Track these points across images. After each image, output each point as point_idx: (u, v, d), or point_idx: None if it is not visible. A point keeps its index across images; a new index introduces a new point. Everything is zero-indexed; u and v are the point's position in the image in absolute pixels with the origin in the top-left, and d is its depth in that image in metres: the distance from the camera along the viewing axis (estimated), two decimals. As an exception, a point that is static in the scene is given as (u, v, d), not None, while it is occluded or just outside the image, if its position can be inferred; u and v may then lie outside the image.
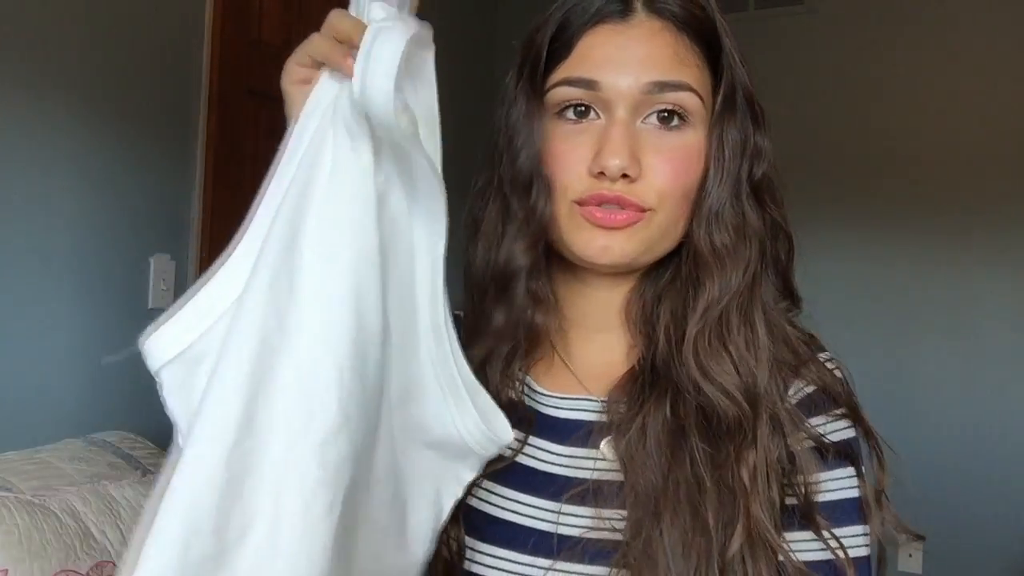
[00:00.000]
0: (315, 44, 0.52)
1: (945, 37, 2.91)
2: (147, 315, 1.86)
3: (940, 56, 2.91)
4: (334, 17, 0.51)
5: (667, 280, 0.69)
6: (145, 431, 1.59)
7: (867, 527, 0.64)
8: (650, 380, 0.66)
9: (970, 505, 2.74)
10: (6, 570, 1.05)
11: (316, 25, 0.54)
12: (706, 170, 0.65)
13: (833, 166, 2.93)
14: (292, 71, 0.56)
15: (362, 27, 0.48)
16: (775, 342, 0.65)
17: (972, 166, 2.86)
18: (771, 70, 2.90)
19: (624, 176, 0.63)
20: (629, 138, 0.63)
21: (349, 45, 0.50)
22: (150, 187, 1.82)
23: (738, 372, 0.63)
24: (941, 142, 2.90)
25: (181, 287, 1.89)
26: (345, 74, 0.49)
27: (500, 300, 0.68)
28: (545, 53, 0.67)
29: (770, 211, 0.68)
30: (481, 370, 0.66)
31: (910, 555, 2.77)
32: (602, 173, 0.63)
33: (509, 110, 0.68)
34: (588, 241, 0.64)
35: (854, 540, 0.64)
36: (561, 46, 0.67)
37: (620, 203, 0.63)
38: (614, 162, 0.62)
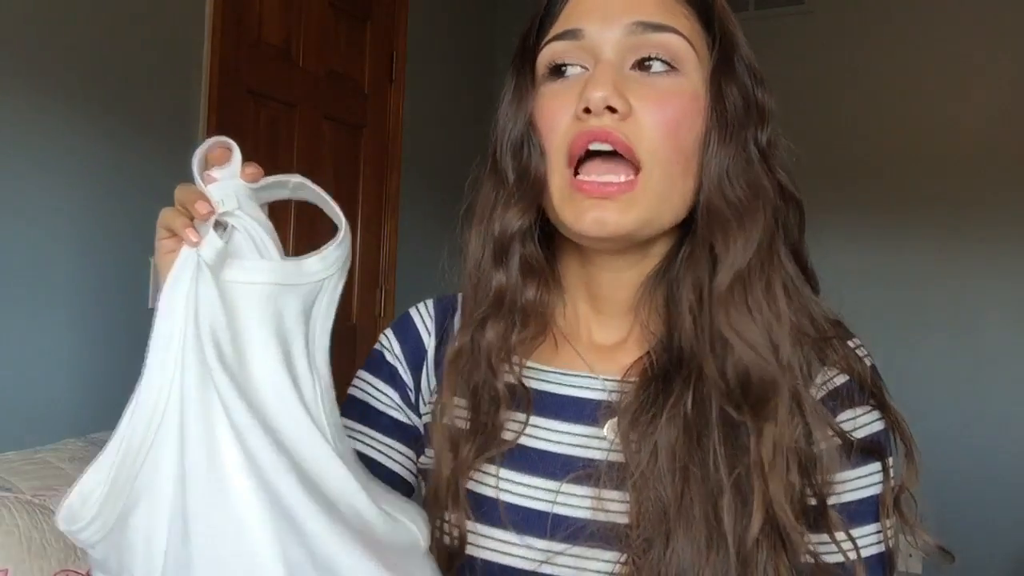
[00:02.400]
0: (164, 217, 0.57)
1: (945, 36, 2.91)
2: (147, 315, 1.85)
3: (940, 55, 2.92)
4: (176, 191, 0.57)
5: (683, 258, 0.66)
6: (145, 431, 1.59)
7: (881, 524, 0.63)
8: (667, 375, 0.63)
9: (970, 504, 2.73)
10: (6, 570, 1.05)
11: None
12: (707, 125, 0.63)
13: (832, 165, 2.93)
14: (158, 248, 0.59)
15: (198, 194, 0.54)
16: (796, 313, 0.63)
17: (972, 165, 2.86)
18: (771, 70, 2.89)
19: (612, 111, 0.60)
20: (615, 76, 0.61)
21: (189, 213, 0.55)
22: (150, 187, 1.82)
23: (765, 335, 0.60)
24: (941, 141, 2.90)
25: (181, 287, 1.88)
26: (187, 238, 0.54)
27: (498, 266, 0.67)
28: (537, 23, 0.68)
29: (779, 177, 0.65)
30: (477, 341, 0.66)
31: (910, 555, 2.77)
32: (587, 111, 0.61)
33: (503, 94, 0.69)
34: (580, 213, 0.62)
35: (868, 539, 0.63)
36: (548, 14, 0.67)
37: (611, 141, 0.61)
38: (597, 93, 0.60)
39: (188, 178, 0.57)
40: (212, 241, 0.53)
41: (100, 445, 1.58)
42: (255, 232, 0.55)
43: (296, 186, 0.59)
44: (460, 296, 0.76)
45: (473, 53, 3.17)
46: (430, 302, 0.77)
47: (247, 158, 0.57)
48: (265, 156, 2.15)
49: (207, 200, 0.54)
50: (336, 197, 0.60)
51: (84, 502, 0.52)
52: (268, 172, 0.59)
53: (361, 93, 2.56)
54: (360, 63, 2.55)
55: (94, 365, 1.70)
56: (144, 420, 0.52)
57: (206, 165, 0.56)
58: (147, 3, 1.80)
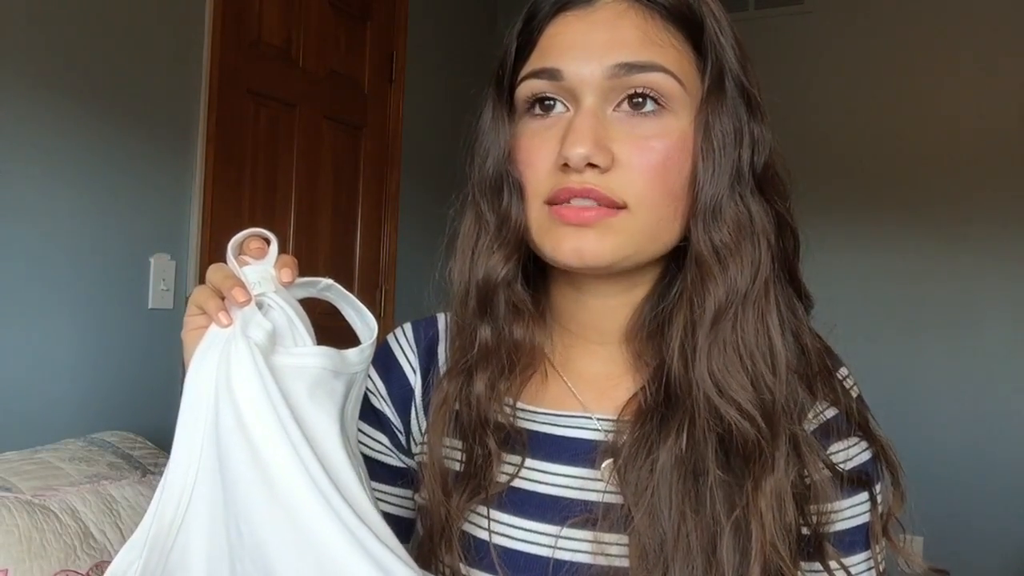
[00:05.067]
0: (198, 296, 0.57)
1: (944, 36, 2.91)
2: (147, 315, 1.87)
3: (939, 55, 2.92)
4: (209, 272, 0.57)
5: (675, 295, 0.63)
6: (145, 431, 1.59)
7: (872, 551, 0.63)
8: (662, 414, 0.61)
9: (969, 504, 2.73)
10: (6, 570, 1.05)
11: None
12: (695, 163, 0.60)
13: (832, 165, 2.93)
14: (186, 323, 0.58)
15: (235, 280, 0.55)
16: (791, 353, 0.61)
17: (971, 165, 2.86)
18: (770, 69, 2.89)
19: (593, 167, 0.58)
20: (596, 126, 0.58)
21: (222, 294, 0.56)
22: (150, 187, 1.82)
23: (754, 387, 0.58)
24: (940, 141, 2.91)
25: (181, 287, 1.89)
26: (218, 321, 0.55)
27: (483, 315, 0.64)
28: (513, 49, 0.64)
29: (775, 205, 0.62)
30: (465, 389, 0.64)
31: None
32: (567, 165, 0.58)
33: (479, 118, 0.66)
34: (558, 243, 0.60)
35: (860, 567, 0.63)
36: (526, 40, 0.64)
37: (591, 196, 0.58)
38: (577, 151, 0.57)
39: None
40: (261, 323, 0.54)
41: (100, 445, 1.58)
42: (291, 315, 0.56)
43: (325, 287, 0.61)
44: (440, 318, 0.74)
45: (473, 52, 3.17)
46: (408, 330, 0.74)
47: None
48: (265, 156, 2.16)
49: (244, 287, 0.55)
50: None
51: None
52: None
53: (361, 93, 2.56)
54: (360, 63, 2.55)
55: (94, 365, 1.70)
56: (173, 499, 0.53)
57: (240, 252, 0.58)
58: (147, 3, 1.80)
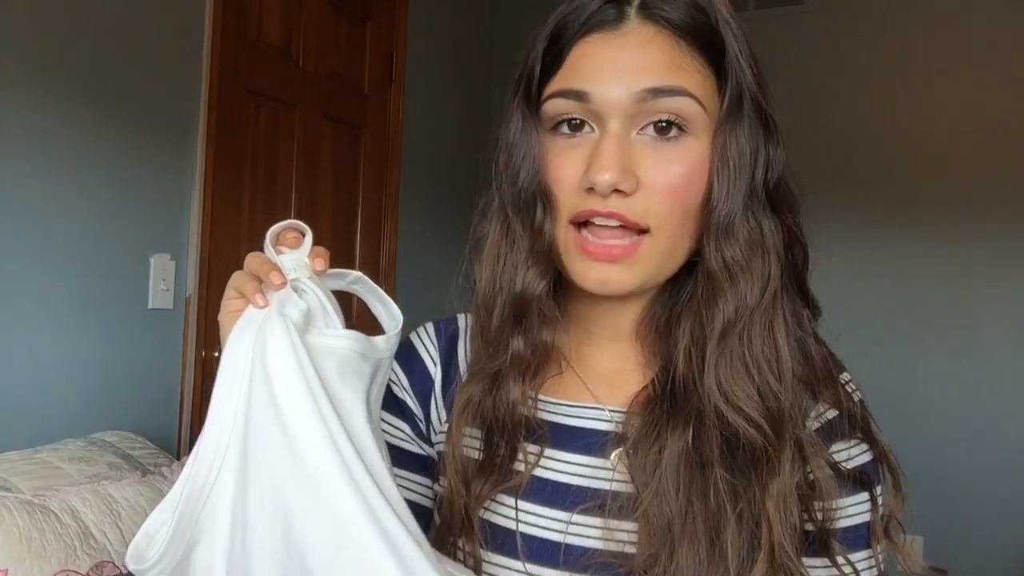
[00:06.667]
0: (236, 280, 0.60)
1: (944, 36, 2.91)
2: (147, 315, 1.87)
3: (939, 55, 2.92)
4: (247, 259, 0.60)
5: (685, 299, 0.66)
6: (145, 431, 1.59)
7: (872, 550, 0.64)
8: (669, 406, 0.63)
9: (970, 503, 2.73)
10: (6, 570, 1.06)
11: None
12: (711, 182, 0.62)
13: (832, 165, 2.93)
14: (224, 305, 0.61)
15: (271, 265, 0.59)
16: (796, 360, 0.63)
17: (972, 165, 2.86)
18: (770, 69, 2.89)
19: (618, 192, 0.60)
20: (621, 151, 0.60)
21: (259, 279, 0.59)
22: (150, 187, 1.82)
23: (761, 396, 0.60)
24: (940, 141, 2.91)
25: (181, 287, 1.89)
26: (255, 302, 0.58)
27: (516, 326, 0.66)
28: (539, 65, 0.65)
29: (785, 220, 0.64)
30: (497, 393, 0.66)
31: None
32: (592, 188, 0.60)
33: (507, 127, 0.67)
34: (584, 273, 0.63)
35: (861, 564, 0.64)
36: (553, 58, 0.65)
37: (617, 219, 0.61)
38: (603, 177, 0.59)
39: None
40: (296, 303, 0.58)
41: (100, 445, 1.59)
42: (323, 300, 0.60)
43: (354, 279, 0.65)
44: (461, 318, 0.76)
45: (473, 52, 3.17)
46: (431, 327, 0.77)
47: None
48: (265, 156, 2.16)
49: (279, 271, 0.58)
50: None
51: (150, 541, 0.56)
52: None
53: (361, 93, 2.57)
54: (360, 63, 2.55)
55: (94, 365, 1.70)
56: (206, 464, 0.55)
57: (276, 242, 0.61)
58: (147, 3, 1.81)
